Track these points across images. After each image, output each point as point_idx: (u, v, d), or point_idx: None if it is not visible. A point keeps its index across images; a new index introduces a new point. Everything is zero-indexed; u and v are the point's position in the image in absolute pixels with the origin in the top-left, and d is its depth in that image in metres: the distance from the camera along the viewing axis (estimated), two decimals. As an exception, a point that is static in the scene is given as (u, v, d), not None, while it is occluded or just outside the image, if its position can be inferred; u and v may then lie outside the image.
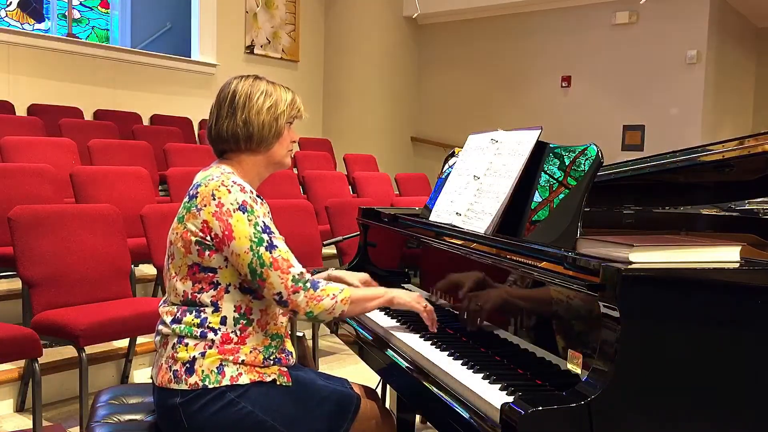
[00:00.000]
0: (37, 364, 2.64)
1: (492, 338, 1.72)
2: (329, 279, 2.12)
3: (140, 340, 3.54)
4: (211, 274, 1.70)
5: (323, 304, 1.70)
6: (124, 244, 3.32)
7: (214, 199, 1.68)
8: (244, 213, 1.67)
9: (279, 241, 1.70)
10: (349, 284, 2.07)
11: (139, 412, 1.86)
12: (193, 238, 1.68)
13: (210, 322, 1.69)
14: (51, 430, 2.83)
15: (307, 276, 1.70)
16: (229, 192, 1.68)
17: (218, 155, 1.84)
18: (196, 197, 1.70)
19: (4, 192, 3.68)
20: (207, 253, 1.68)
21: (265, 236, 1.67)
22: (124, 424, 1.81)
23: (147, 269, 4.42)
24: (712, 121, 8.18)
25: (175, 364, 1.68)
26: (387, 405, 2.77)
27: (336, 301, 1.71)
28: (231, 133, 1.77)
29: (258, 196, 1.74)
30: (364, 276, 2.12)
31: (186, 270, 1.71)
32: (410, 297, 1.88)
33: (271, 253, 1.66)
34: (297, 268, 1.69)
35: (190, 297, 1.71)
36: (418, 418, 2.81)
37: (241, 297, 1.71)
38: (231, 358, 1.68)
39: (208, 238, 1.68)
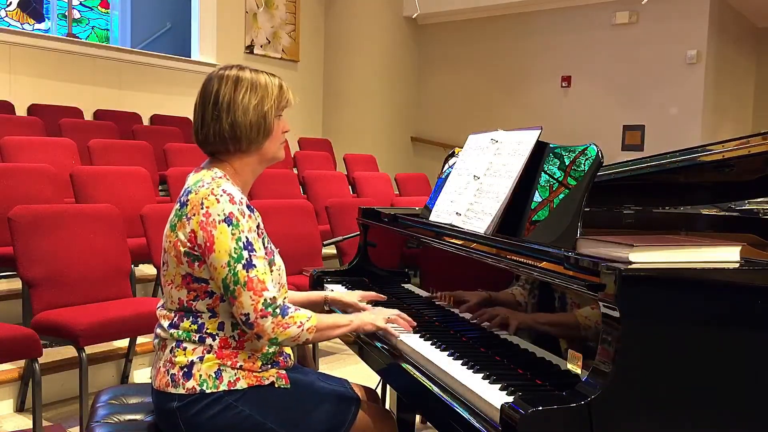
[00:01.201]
0: (37, 364, 2.64)
1: (492, 338, 1.72)
2: (326, 301, 2.10)
3: (140, 340, 3.54)
4: (204, 284, 1.67)
5: (289, 332, 1.64)
6: (124, 244, 3.32)
7: (203, 208, 1.63)
8: (228, 226, 1.61)
9: (259, 260, 1.63)
10: (347, 304, 2.06)
11: (139, 412, 1.86)
12: (183, 249, 1.65)
13: (207, 328, 1.67)
14: (51, 430, 2.83)
15: (279, 301, 1.65)
16: (218, 202, 1.62)
17: (208, 155, 1.79)
18: (187, 205, 1.66)
19: (4, 192, 3.68)
20: (196, 264, 1.65)
21: (245, 253, 1.61)
22: (124, 424, 1.81)
23: (147, 269, 4.42)
24: (712, 121, 8.18)
25: (172, 368, 1.67)
26: (387, 405, 2.77)
27: (302, 330, 1.66)
28: (219, 138, 1.71)
29: (248, 206, 1.68)
30: (359, 293, 2.10)
31: (180, 279, 1.68)
32: (374, 319, 1.83)
33: (247, 272, 1.60)
34: (271, 291, 1.63)
35: (186, 305, 1.69)
36: (418, 418, 2.81)
37: None
38: (229, 363, 1.66)
39: (195, 248, 1.64)
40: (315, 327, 1.69)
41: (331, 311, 2.10)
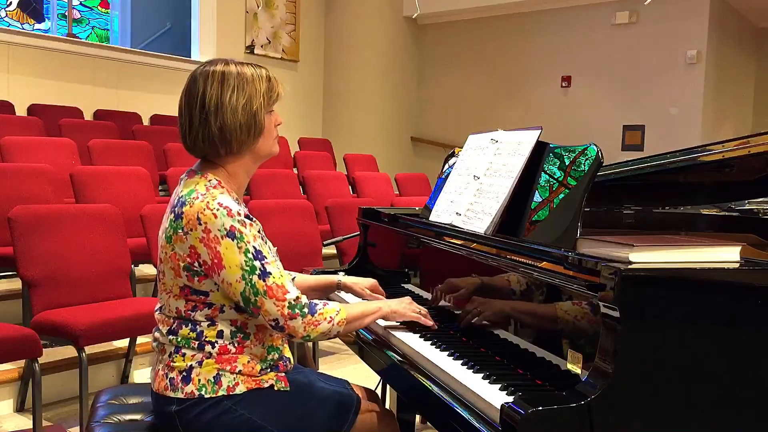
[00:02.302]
0: (37, 364, 2.64)
1: (492, 338, 1.72)
2: (339, 286, 2.11)
3: (140, 340, 3.54)
4: (203, 296, 1.64)
5: (320, 328, 1.65)
6: (124, 244, 3.31)
7: (201, 224, 1.58)
8: (233, 240, 1.57)
9: (272, 266, 1.61)
10: (357, 293, 2.08)
11: (138, 412, 1.86)
12: (182, 263, 1.62)
13: (206, 336, 1.65)
14: (51, 430, 2.84)
15: (303, 300, 1.64)
16: (216, 217, 1.57)
17: (200, 158, 1.74)
18: (182, 218, 1.61)
19: (4, 192, 3.68)
20: (196, 279, 1.62)
21: (257, 263, 1.59)
22: (124, 424, 1.81)
23: (147, 269, 4.42)
24: (712, 121, 8.18)
25: (171, 372, 1.66)
26: (387, 405, 2.77)
27: (333, 324, 1.66)
28: (208, 142, 1.65)
29: (247, 216, 1.63)
30: (372, 282, 2.10)
31: (178, 290, 1.66)
32: (404, 307, 1.86)
33: (264, 281, 1.59)
34: (292, 293, 1.62)
35: (184, 314, 1.66)
36: (418, 418, 2.81)
37: (237, 315, 1.67)
38: (228, 367, 1.65)
39: (196, 264, 1.61)
40: (345, 320, 1.69)
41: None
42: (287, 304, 1.60)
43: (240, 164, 1.72)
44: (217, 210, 1.59)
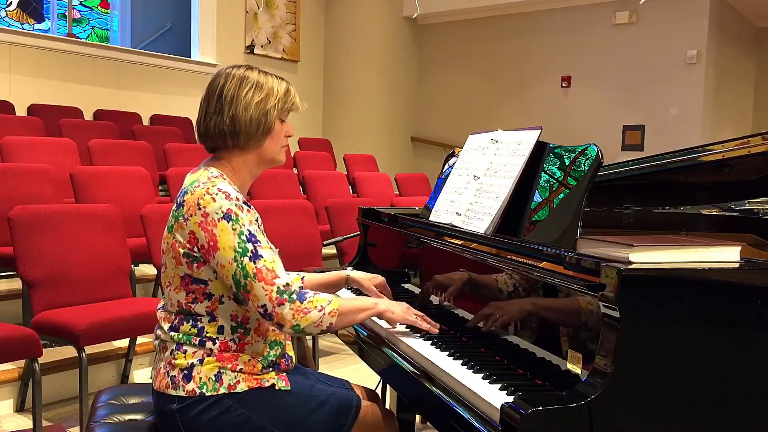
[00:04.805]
0: (37, 364, 2.64)
1: (492, 338, 1.72)
2: (348, 281, 2.12)
3: (140, 340, 3.54)
4: (203, 286, 1.66)
5: (310, 317, 1.63)
6: (124, 244, 3.32)
7: (200, 209, 1.62)
8: (228, 222, 1.61)
9: (265, 250, 1.63)
10: (365, 288, 2.08)
11: (139, 412, 1.86)
12: (182, 250, 1.65)
13: (207, 332, 1.66)
14: (51, 430, 2.83)
15: (294, 287, 1.64)
16: (214, 201, 1.62)
17: (209, 151, 1.80)
18: (183, 206, 1.65)
19: (4, 192, 3.68)
20: (195, 265, 1.65)
21: (250, 246, 1.61)
22: (124, 424, 1.81)
23: (147, 269, 4.42)
24: (712, 121, 8.18)
25: (172, 370, 1.66)
26: (387, 405, 2.77)
27: (324, 314, 1.65)
28: (218, 131, 1.71)
29: (245, 203, 1.67)
30: (380, 279, 2.10)
31: (179, 281, 1.68)
32: (401, 310, 1.85)
33: (255, 263, 1.60)
34: (283, 278, 1.62)
35: (185, 307, 1.68)
36: (418, 418, 2.81)
37: (237, 307, 1.68)
38: (229, 366, 1.66)
39: (195, 249, 1.63)
40: (337, 310, 1.67)
41: (351, 290, 2.13)
42: (275, 289, 1.60)
43: (245, 161, 1.76)
44: (216, 194, 1.63)
